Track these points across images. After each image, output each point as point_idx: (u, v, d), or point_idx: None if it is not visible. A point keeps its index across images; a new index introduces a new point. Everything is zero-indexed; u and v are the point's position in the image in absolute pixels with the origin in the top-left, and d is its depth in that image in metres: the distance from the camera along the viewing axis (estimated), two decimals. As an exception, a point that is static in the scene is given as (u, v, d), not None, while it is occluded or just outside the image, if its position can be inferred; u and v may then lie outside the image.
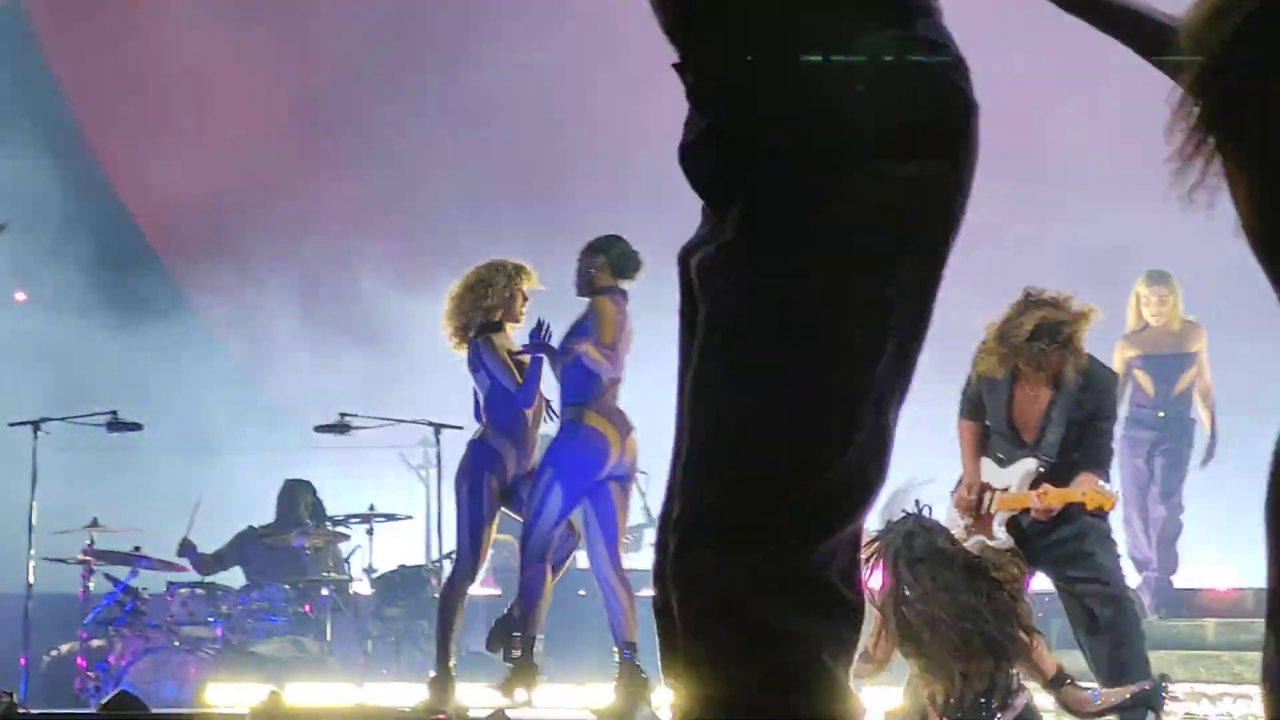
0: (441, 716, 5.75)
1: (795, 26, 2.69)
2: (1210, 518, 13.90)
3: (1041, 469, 8.09)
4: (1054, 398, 8.07)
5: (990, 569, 6.43)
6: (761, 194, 2.69)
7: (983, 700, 6.51)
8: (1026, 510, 8.02)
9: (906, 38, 2.71)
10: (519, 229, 14.80)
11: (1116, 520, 8.61)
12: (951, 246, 2.75)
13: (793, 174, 2.67)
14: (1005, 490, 8.15)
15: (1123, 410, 10.34)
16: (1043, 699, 6.89)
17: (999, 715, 6.53)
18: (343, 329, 16.03)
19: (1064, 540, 8.03)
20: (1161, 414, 11.51)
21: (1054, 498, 7.96)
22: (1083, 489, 7.98)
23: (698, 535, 2.66)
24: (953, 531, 8.06)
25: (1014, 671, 6.58)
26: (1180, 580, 12.44)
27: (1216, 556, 13.62)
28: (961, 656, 6.32)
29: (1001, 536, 8.01)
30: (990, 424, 8.26)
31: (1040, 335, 7.88)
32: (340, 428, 11.87)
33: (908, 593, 6.37)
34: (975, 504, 8.15)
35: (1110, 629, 7.82)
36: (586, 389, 9.05)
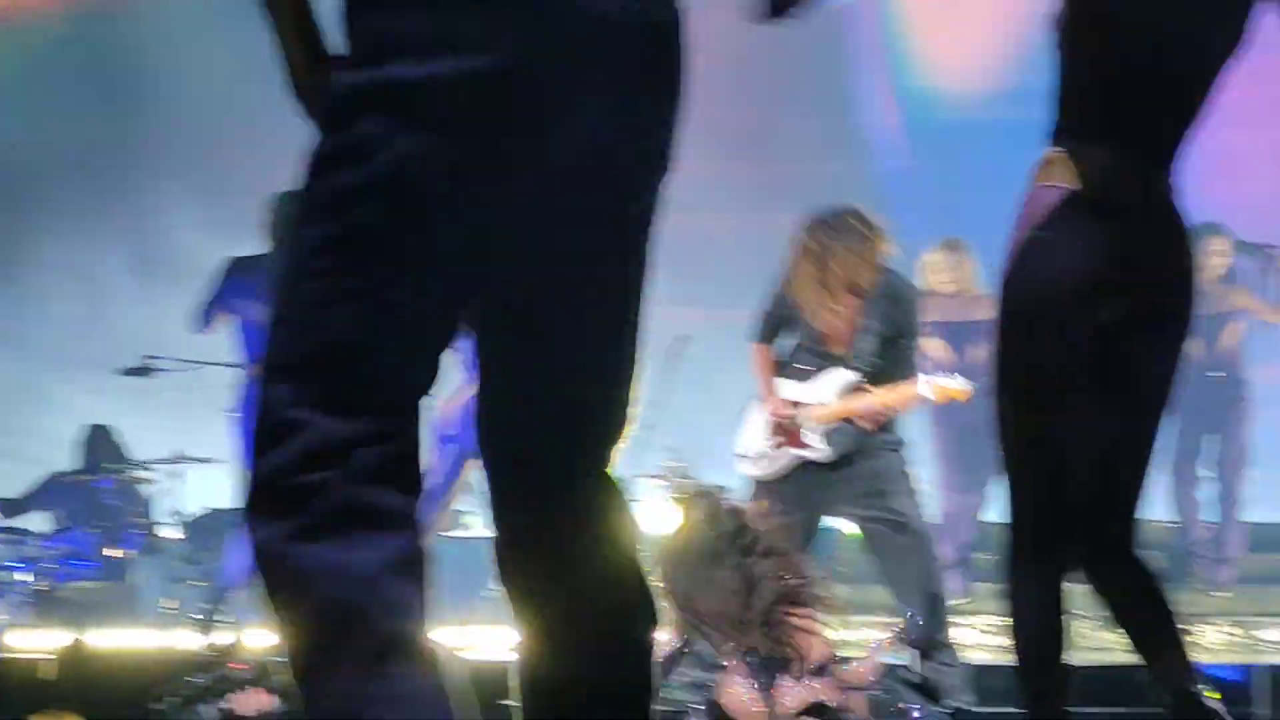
0: (240, 666, 5.69)
1: None
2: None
3: (860, 380, 7.86)
4: (861, 306, 7.81)
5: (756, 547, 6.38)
6: None
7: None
8: (840, 430, 7.84)
9: None
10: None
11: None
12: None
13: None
14: (820, 405, 7.87)
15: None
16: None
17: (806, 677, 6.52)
18: (161, 274, 15.82)
19: (859, 477, 7.83)
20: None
21: (886, 397, 7.75)
22: (931, 384, 7.80)
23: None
24: (767, 447, 7.96)
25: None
26: (986, 514, 12.58)
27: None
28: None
29: (820, 446, 7.86)
30: (799, 338, 7.99)
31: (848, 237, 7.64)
32: (142, 371, 11.75)
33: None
34: (786, 422, 7.90)
35: (917, 566, 7.69)
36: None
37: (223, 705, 5.84)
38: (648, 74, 2.75)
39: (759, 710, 6.37)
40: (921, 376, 7.91)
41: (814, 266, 7.72)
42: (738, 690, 6.31)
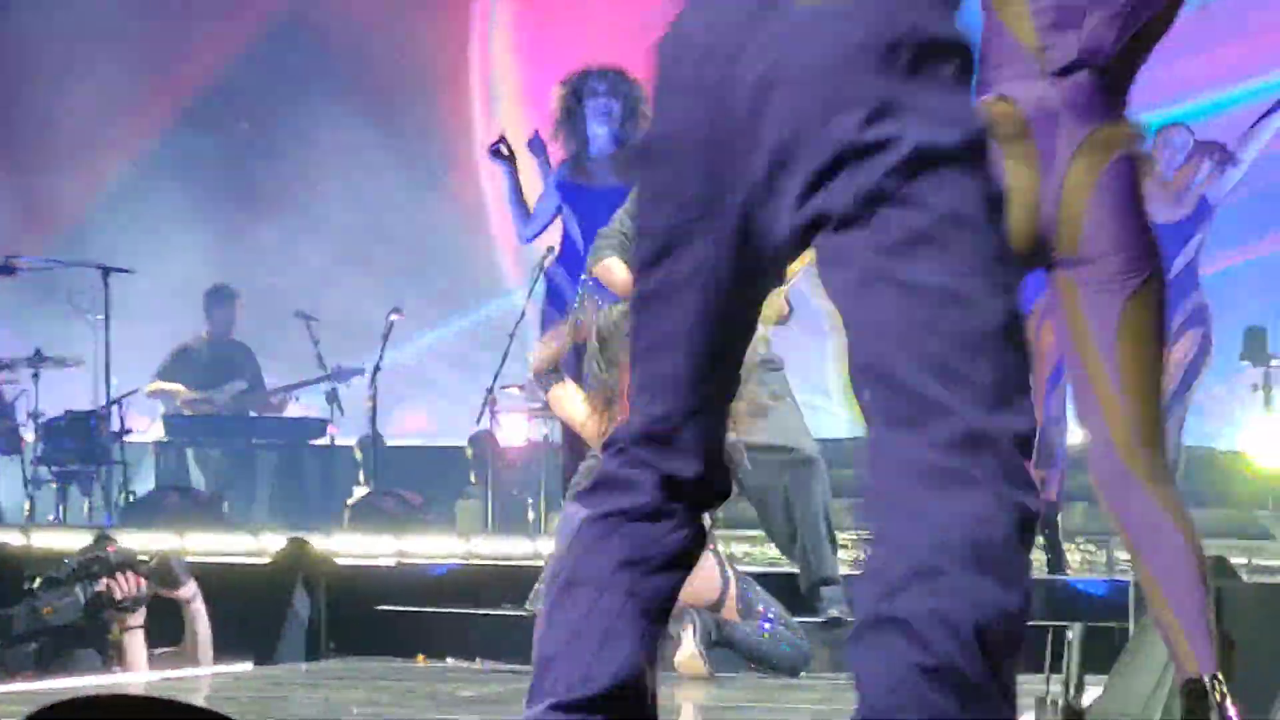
0: (114, 549, 5.69)
1: None
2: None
3: None
4: None
5: None
6: None
7: None
8: None
9: None
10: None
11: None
12: None
13: None
14: None
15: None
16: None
17: None
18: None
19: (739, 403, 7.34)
20: None
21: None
22: None
23: None
24: None
25: None
26: (844, 430, 12.68)
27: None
28: None
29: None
30: None
31: None
32: (5, 270, 11.66)
33: None
34: None
35: (806, 498, 7.16)
36: None
37: (95, 587, 5.83)
38: None
39: None
40: None
41: None
42: None
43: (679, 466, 2.84)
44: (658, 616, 2.85)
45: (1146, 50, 4.23)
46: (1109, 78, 4.19)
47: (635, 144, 7.98)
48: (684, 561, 2.87)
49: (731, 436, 6.80)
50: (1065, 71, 4.15)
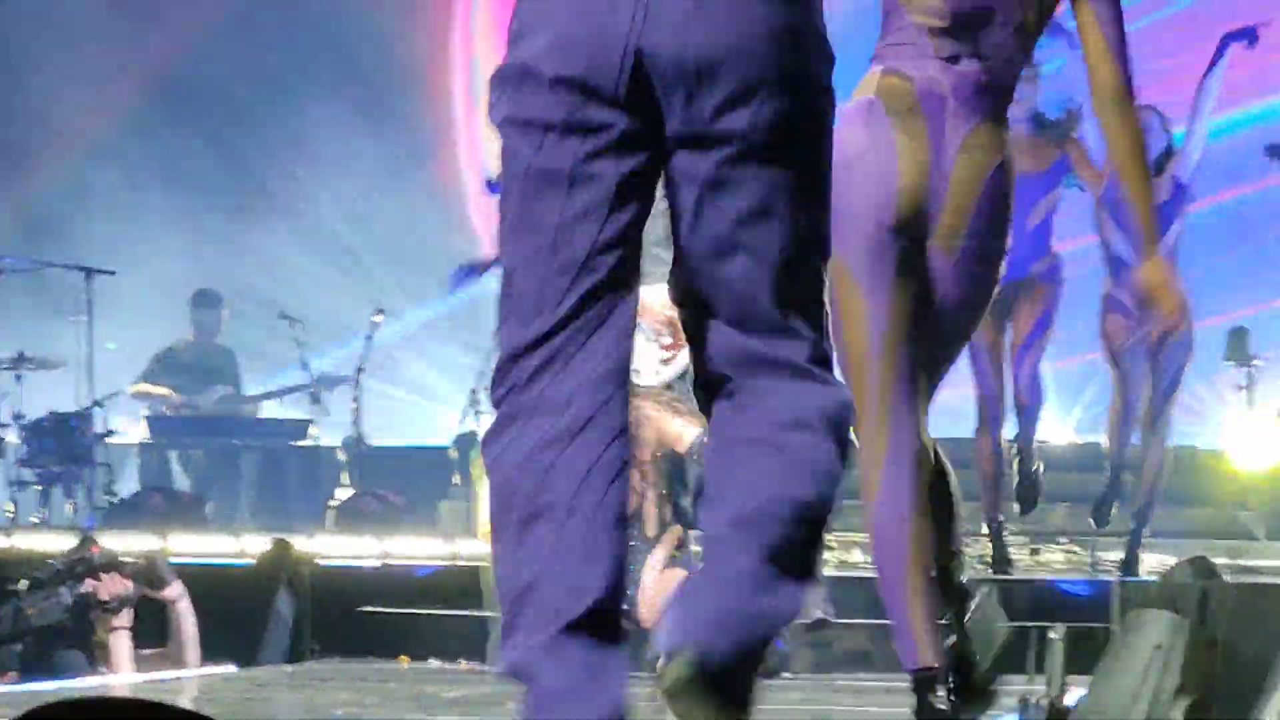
0: (98, 550, 5.71)
1: None
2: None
3: None
4: None
5: None
6: None
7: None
8: None
9: None
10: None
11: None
12: None
13: None
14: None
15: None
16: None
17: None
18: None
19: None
20: None
21: None
22: None
23: None
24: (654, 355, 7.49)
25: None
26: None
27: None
28: None
29: None
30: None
31: None
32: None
33: None
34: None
35: None
36: None
37: (80, 589, 5.84)
38: None
39: None
40: None
41: None
42: None
43: (606, 361, 2.89)
44: (625, 524, 2.86)
45: (1031, 45, 4.31)
46: (995, 72, 4.24)
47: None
48: (626, 468, 2.89)
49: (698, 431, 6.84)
50: (955, 59, 4.20)
